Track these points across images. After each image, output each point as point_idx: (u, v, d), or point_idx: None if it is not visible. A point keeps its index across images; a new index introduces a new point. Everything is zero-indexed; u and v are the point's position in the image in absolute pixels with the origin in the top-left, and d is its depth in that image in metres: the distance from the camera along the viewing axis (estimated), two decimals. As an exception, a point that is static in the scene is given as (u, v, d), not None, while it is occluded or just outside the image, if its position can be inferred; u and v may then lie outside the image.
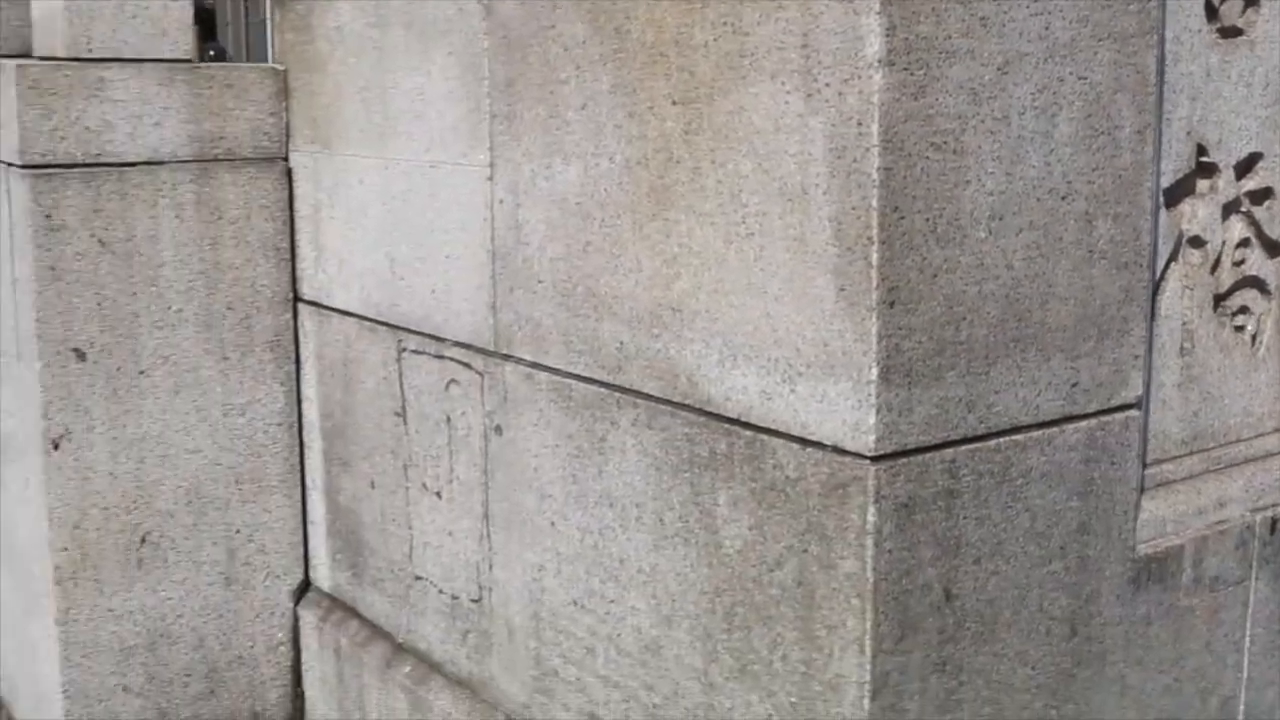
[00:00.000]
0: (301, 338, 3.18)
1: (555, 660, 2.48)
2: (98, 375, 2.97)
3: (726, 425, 2.02)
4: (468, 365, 2.58)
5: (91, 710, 3.10)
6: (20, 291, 2.95)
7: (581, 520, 2.35)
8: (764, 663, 2.02)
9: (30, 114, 2.84)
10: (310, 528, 3.28)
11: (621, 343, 2.19)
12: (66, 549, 3.01)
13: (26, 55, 3.20)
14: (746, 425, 1.98)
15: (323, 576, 3.27)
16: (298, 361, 3.20)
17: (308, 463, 3.24)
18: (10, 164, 2.91)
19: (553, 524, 2.42)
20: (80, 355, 2.93)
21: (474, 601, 2.69)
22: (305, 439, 3.23)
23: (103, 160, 2.91)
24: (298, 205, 3.12)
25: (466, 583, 2.70)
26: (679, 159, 2.03)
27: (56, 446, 2.95)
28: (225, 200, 3.05)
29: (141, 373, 3.01)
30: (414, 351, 2.75)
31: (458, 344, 2.61)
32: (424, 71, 2.62)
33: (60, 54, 2.92)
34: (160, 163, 2.97)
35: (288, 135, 3.12)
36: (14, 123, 2.84)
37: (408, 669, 2.93)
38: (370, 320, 2.90)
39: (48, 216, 2.86)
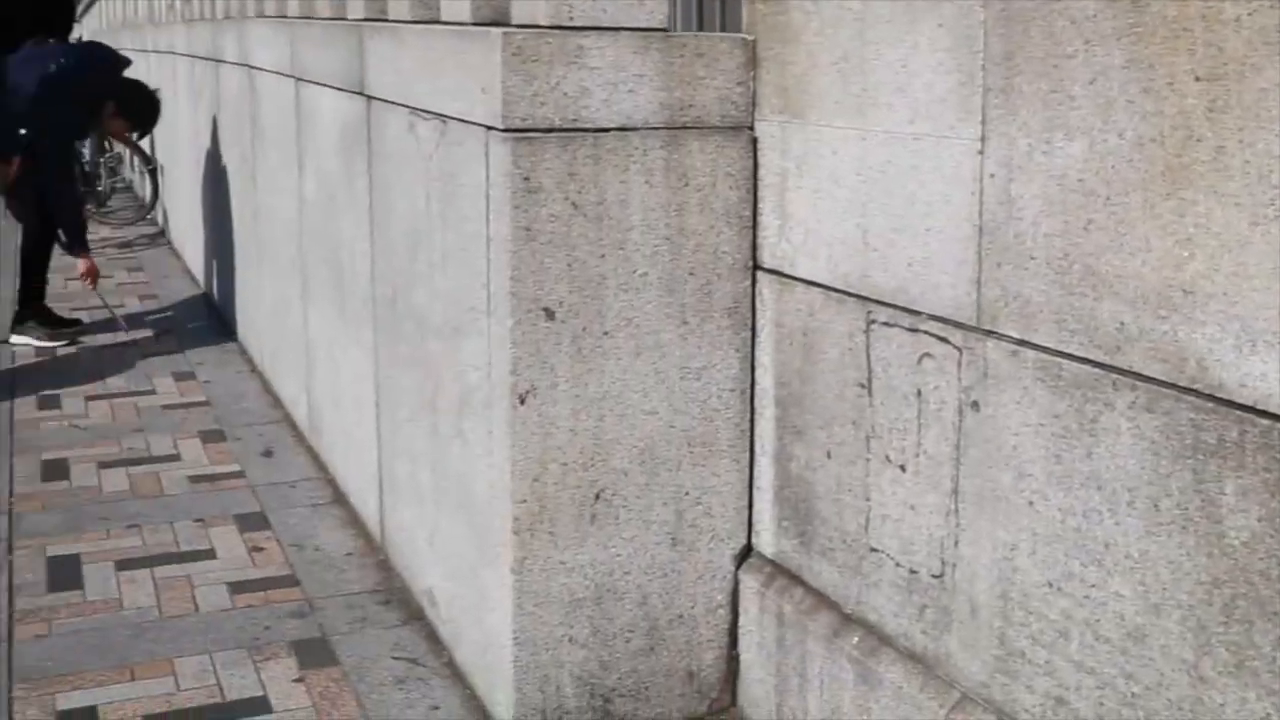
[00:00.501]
0: (759, 305, 3.32)
1: (1022, 641, 2.54)
2: (564, 334, 3.17)
3: (1239, 413, 2.04)
4: (944, 339, 2.66)
5: (538, 658, 3.33)
6: (495, 250, 3.17)
7: (1063, 501, 2.40)
8: (1265, 660, 2.04)
9: (514, 80, 3.05)
10: (756, 493, 3.42)
11: (1122, 323, 2.23)
12: (526, 501, 3.23)
13: (498, 23, 3.42)
14: (1263, 414, 2.00)
15: (766, 542, 3.41)
16: (753, 329, 3.34)
17: (758, 429, 3.38)
18: (491, 128, 3.13)
19: (1030, 503, 2.47)
20: (549, 314, 3.14)
21: (934, 577, 2.77)
22: (757, 405, 3.37)
23: (579, 126, 3.10)
24: (762, 174, 3.26)
25: (927, 557, 2.79)
26: (1200, 137, 2.06)
27: (523, 401, 3.17)
28: (692, 167, 3.20)
29: (605, 333, 3.20)
30: (884, 324, 2.85)
31: (934, 318, 2.69)
32: (910, 43, 2.70)
33: (542, 22, 3.12)
34: (632, 129, 3.15)
35: (754, 105, 3.25)
36: (497, 88, 3.06)
37: (856, 639, 3.04)
38: (837, 291, 3.00)
39: (526, 179, 3.07)
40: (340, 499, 5.08)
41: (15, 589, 4.40)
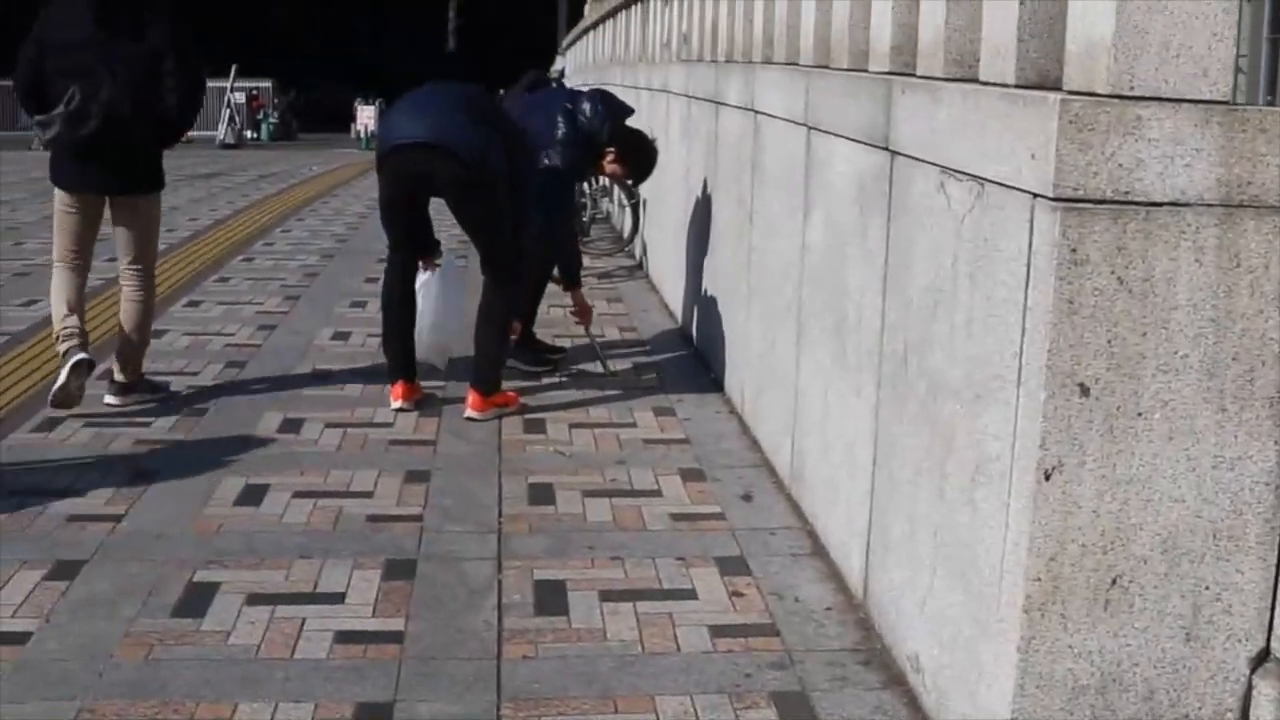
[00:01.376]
0: (1302, 397, 3.23)
1: None
2: (1096, 412, 3.16)
3: None
4: None
5: (1035, 741, 3.32)
6: (1032, 320, 3.19)
7: None
8: None
9: (1068, 148, 3.06)
10: (1281, 596, 3.33)
11: None
12: (1039, 580, 3.23)
13: (1042, 86, 3.45)
14: None
15: (1289, 649, 3.31)
16: (1292, 422, 3.25)
17: (1290, 528, 3.29)
18: (1038, 195, 3.16)
19: None
20: (1084, 390, 3.14)
21: None
22: (1291, 503, 3.28)
23: (1130, 198, 3.09)
24: (1318, 259, 3.17)
25: None
26: None
27: (1047, 477, 3.18)
28: (1245, 248, 3.14)
29: (1139, 415, 3.18)
30: None
31: None
32: None
33: (1100, 90, 3.12)
34: (1185, 205, 3.11)
35: (1317, 185, 3.17)
36: (1050, 155, 3.08)
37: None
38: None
39: (1073, 250, 3.09)
40: (820, 551, 5.18)
41: (504, 608, 4.67)
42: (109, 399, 7.10)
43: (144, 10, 6.82)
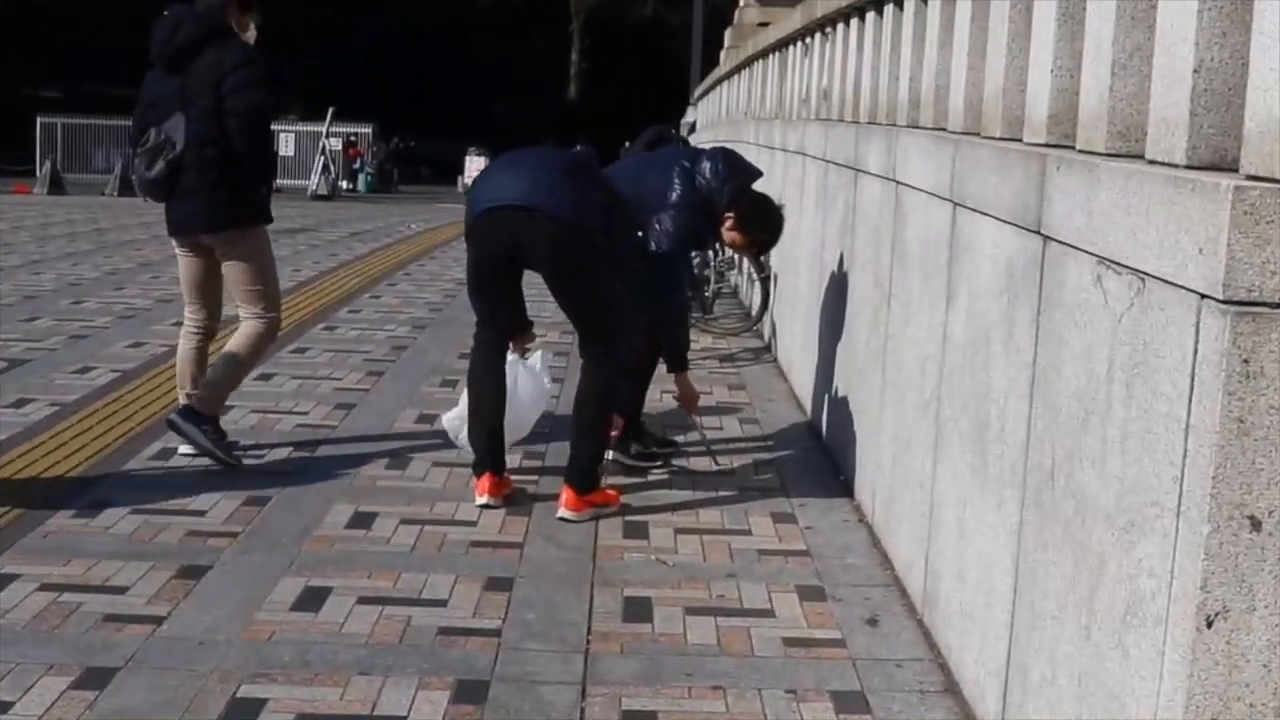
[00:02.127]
0: None
1: None
2: (1269, 550, 3.04)
3: None
4: None
5: None
6: (1196, 441, 3.09)
7: None
8: None
9: (1241, 243, 2.96)
10: None
11: None
12: (1199, 741, 3.12)
13: (1218, 167, 3.36)
14: None
15: None
16: None
17: None
18: (1206, 295, 3.06)
19: None
20: (1255, 524, 3.02)
21: None
22: None
23: (1315, 303, 2.99)
24: None
25: None
26: None
27: (1209, 624, 3.06)
28: None
29: (1314, 555, 3.06)
30: None
31: None
32: None
33: (1280, 175, 3.04)
34: (1372, 309, 3.01)
35: None
36: (1220, 250, 2.98)
37: None
38: None
39: (1245, 361, 2.98)
40: (952, 687, 5.05)
41: (585, 741, 4.61)
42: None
43: (206, 44, 7.37)
